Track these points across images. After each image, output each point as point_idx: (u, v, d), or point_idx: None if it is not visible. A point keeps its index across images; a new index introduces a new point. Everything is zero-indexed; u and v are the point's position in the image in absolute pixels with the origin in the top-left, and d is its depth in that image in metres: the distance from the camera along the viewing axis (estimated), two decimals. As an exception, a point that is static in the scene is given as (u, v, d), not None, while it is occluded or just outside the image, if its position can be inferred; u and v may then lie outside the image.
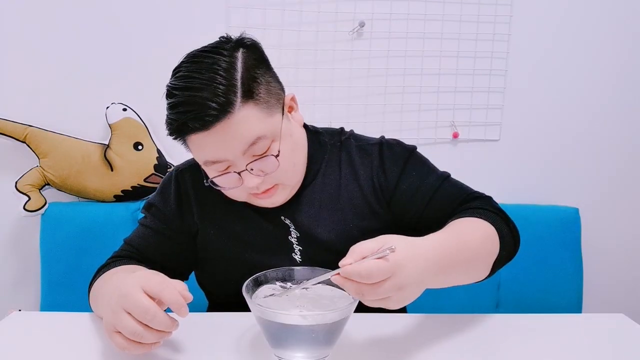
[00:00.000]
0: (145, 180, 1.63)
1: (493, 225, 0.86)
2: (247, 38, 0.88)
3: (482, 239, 0.82)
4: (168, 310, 0.70)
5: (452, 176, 1.00)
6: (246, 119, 0.81)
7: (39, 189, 1.61)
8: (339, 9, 1.66)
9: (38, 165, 1.61)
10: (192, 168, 1.01)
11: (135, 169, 1.62)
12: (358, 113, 1.72)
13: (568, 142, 1.80)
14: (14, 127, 1.60)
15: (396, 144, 1.00)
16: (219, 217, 0.98)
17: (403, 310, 1.08)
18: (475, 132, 1.77)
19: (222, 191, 0.91)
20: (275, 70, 0.91)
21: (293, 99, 0.93)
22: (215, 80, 0.80)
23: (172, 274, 0.93)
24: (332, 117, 1.72)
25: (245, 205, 0.96)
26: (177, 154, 1.61)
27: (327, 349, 0.72)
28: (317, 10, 1.66)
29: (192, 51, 0.86)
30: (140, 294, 0.68)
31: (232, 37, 0.88)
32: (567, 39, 1.74)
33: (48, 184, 1.62)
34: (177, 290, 0.69)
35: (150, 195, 1.04)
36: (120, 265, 0.93)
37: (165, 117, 0.85)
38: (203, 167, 0.89)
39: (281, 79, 0.92)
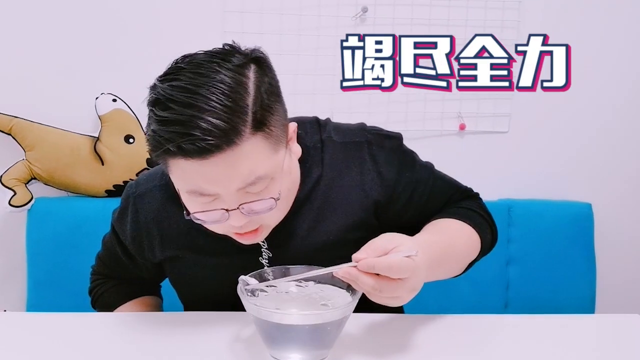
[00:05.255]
0: (137, 174, 1.61)
1: (477, 232, 0.92)
2: (258, 50, 0.76)
3: (466, 244, 0.90)
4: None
5: (458, 171, 1.00)
6: (252, 154, 0.71)
7: (25, 183, 1.60)
8: (339, 13, 1.64)
9: (24, 158, 1.60)
10: (152, 192, 0.91)
11: (126, 163, 1.61)
12: (361, 103, 1.69)
13: (580, 134, 1.77)
14: (-2, 118, 1.59)
15: (384, 138, 0.91)
16: (182, 243, 0.91)
17: (400, 310, 1.04)
18: (483, 124, 1.75)
19: (201, 224, 0.81)
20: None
21: (295, 130, 0.83)
22: (222, 101, 0.68)
23: (148, 283, 1.06)
24: (334, 108, 1.65)
25: None
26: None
27: (325, 349, 0.73)
28: (317, 15, 1.64)
29: (193, 55, 0.74)
30: None
31: (240, 47, 0.76)
32: (581, 27, 1.70)
33: (34, 178, 1.61)
34: None
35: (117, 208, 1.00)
36: (121, 290, 1.03)
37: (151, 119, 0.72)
38: (183, 196, 0.78)
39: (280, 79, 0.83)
